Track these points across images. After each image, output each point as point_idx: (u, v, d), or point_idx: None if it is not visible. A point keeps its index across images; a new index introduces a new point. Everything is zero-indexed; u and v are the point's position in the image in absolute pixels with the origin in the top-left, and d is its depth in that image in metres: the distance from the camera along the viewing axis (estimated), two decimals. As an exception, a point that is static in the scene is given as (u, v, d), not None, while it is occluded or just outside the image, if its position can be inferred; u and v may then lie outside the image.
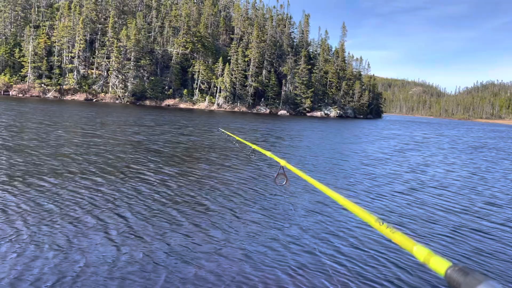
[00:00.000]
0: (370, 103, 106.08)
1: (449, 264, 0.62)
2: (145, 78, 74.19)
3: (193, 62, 78.62)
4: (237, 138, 4.72)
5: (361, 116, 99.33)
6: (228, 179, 10.66)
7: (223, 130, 6.63)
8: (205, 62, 79.47)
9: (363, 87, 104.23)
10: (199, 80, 77.85)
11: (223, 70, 78.53)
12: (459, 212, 9.01)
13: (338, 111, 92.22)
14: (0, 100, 46.70)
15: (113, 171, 10.58)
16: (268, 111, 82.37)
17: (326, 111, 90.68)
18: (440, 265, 0.64)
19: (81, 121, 26.33)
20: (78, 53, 70.52)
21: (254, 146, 3.34)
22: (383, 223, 0.88)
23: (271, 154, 2.69)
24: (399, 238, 0.81)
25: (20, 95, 64.54)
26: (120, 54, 71.17)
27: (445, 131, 55.04)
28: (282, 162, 2.24)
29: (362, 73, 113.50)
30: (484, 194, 11.37)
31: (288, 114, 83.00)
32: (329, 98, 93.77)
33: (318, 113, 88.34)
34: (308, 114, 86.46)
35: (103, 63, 72.18)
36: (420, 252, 0.72)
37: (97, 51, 72.96)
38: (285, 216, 7.56)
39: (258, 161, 14.34)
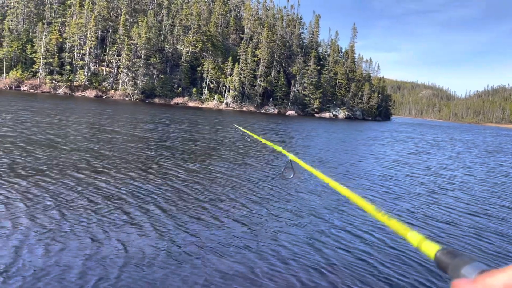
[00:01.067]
0: (379, 105, 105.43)
1: (438, 248, 0.65)
2: (154, 76, 74.53)
3: (203, 61, 78.80)
4: (250, 133, 4.90)
5: (370, 118, 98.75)
6: (245, 177, 10.65)
7: (237, 126, 6.85)
8: (215, 61, 79.61)
9: (372, 89, 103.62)
10: (208, 79, 78.00)
11: (232, 69, 78.59)
12: (480, 215, 8.98)
13: (347, 113, 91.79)
14: (13, 95, 47.25)
15: (137, 167, 10.72)
16: (276, 111, 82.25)
17: (334, 112, 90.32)
18: (430, 248, 0.67)
19: (98, 117, 26.58)
20: (89, 50, 71.06)
21: (264, 141, 3.50)
22: (380, 211, 0.95)
23: (280, 148, 2.77)
24: (395, 224, 0.86)
25: (31, 90, 65.21)
26: (131, 52, 71.58)
27: (457, 135, 54.52)
28: (290, 156, 2.30)
29: (371, 74, 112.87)
30: (503, 197, 11.33)
31: (296, 114, 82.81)
32: (337, 99, 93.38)
33: (326, 114, 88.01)
34: (316, 115, 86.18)
35: (113, 60, 72.66)
36: (414, 237, 0.76)
37: (108, 49, 73.45)
38: (301, 211, 7.50)
39: (269, 157, 14.31)
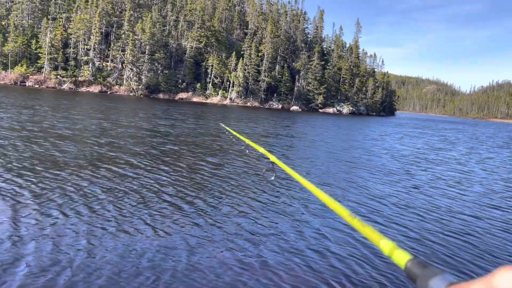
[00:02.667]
0: (383, 101, 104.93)
1: (409, 257, 0.65)
2: (159, 71, 74.55)
3: (207, 56, 78.69)
4: (234, 133, 4.86)
5: (374, 113, 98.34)
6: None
7: (223, 126, 6.90)
8: (219, 57, 79.47)
9: (377, 84, 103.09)
10: (212, 74, 77.93)
11: (236, 64, 78.45)
12: (503, 208, 9.15)
13: (351, 108, 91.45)
14: (19, 91, 47.44)
15: (163, 161, 10.91)
16: (280, 106, 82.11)
17: (338, 108, 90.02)
18: (401, 257, 0.67)
19: (112, 112, 26.85)
20: (94, 45, 71.12)
21: (247, 141, 3.46)
22: (355, 217, 0.93)
23: (262, 149, 2.76)
24: (368, 231, 0.85)
25: (36, 86, 65.46)
26: (135, 47, 71.58)
27: (466, 130, 54.25)
28: (272, 158, 2.31)
29: (376, 70, 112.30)
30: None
31: (300, 110, 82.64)
32: (342, 94, 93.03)
33: (330, 110, 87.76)
34: (320, 110, 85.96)
35: (118, 55, 72.72)
36: (386, 245, 0.76)
37: (112, 44, 73.49)
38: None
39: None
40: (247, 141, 3.52)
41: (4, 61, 66.99)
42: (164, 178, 9.18)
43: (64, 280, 4.06)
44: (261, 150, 2.77)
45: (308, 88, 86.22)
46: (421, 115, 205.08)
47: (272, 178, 2.52)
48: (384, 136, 30.45)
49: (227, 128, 5.68)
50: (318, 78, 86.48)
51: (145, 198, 7.37)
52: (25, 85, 64.49)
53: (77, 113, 24.17)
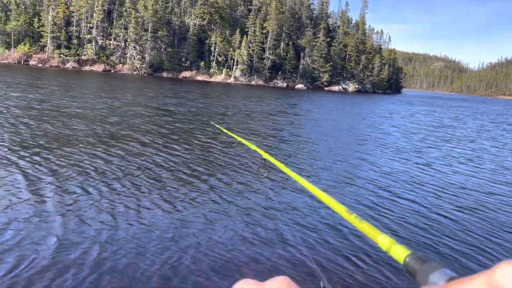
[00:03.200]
0: (390, 78, 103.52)
1: (408, 252, 0.66)
2: (162, 49, 73.71)
3: (210, 34, 77.52)
4: (225, 130, 4.89)
5: (380, 91, 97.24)
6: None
7: (214, 124, 6.92)
8: (222, 34, 78.27)
9: (383, 61, 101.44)
10: (216, 52, 76.98)
11: (240, 42, 77.32)
12: None
13: (357, 86, 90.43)
14: (25, 70, 47.28)
15: (175, 139, 10.90)
16: (285, 84, 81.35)
17: (344, 86, 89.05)
18: (400, 253, 0.68)
19: (122, 92, 26.71)
20: (97, 23, 70.20)
21: (239, 139, 3.49)
22: (351, 214, 0.95)
23: (254, 147, 2.77)
24: (365, 227, 0.87)
25: (40, 65, 65.12)
26: (138, 25, 70.57)
27: (474, 108, 53.73)
28: (264, 155, 2.33)
29: (382, 46, 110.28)
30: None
31: (305, 88, 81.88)
32: (347, 72, 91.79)
33: (336, 88, 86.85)
34: (326, 89, 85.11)
35: (121, 34, 71.85)
36: (384, 241, 0.77)
37: (115, 22, 72.48)
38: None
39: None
40: (239, 138, 3.55)
41: (7, 40, 66.47)
42: (177, 155, 9.28)
43: (93, 256, 4.18)
44: (253, 147, 2.78)
45: (314, 66, 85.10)
46: (428, 93, 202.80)
47: (265, 175, 2.58)
48: (393, 114, 30.28)
49: (219, 127, 5.70)
50: (323, 55, 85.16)
51: (160, 175, 7.47)
52: (29, 64, 64.18)
53: (84, 91, 24.18)
